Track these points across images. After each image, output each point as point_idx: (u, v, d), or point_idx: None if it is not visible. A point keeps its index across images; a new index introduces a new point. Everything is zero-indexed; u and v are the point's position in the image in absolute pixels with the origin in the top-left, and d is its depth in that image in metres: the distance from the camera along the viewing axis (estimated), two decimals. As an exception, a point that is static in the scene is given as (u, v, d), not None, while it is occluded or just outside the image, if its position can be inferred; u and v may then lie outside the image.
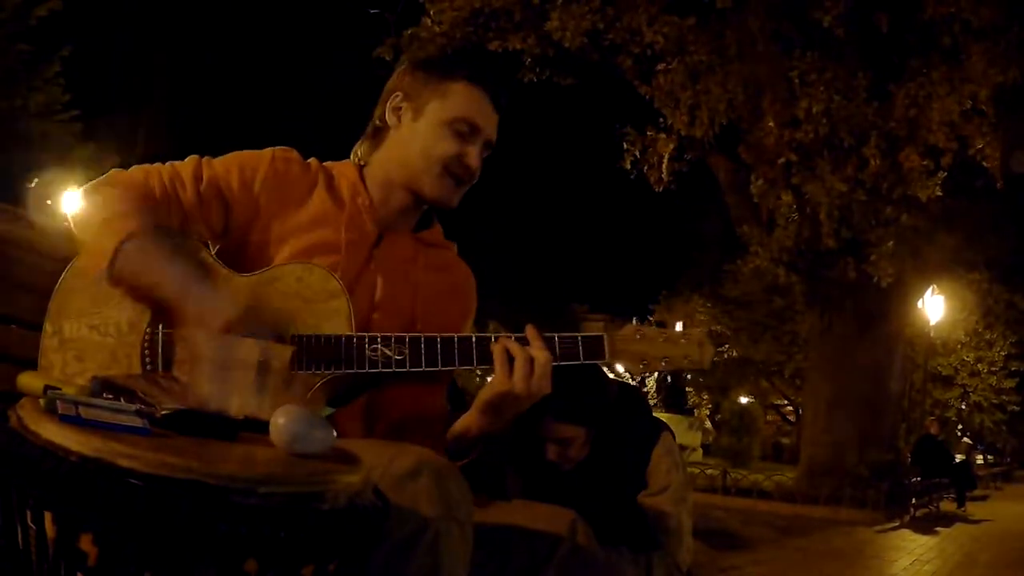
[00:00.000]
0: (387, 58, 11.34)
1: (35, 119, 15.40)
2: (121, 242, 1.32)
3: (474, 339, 1.42)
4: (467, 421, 1.50)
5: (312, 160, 1.60)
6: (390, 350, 1.39)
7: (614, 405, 2.15)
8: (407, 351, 1.39)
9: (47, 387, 1.14)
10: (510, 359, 1.40)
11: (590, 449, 2.13)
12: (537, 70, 11.84)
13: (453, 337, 1.42)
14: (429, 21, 11.43)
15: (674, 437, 2.24)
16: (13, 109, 14.82)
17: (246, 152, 1.54)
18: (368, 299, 1.51)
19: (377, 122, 1.59)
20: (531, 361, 1.40)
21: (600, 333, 1.46)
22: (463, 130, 1.53)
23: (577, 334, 1.44)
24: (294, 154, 1.57)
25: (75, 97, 16.23)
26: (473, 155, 1.54)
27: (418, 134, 1.55)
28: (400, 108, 1.57)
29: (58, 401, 1.02)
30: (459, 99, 1.54)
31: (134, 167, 1.48)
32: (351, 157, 1.63)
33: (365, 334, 1.40)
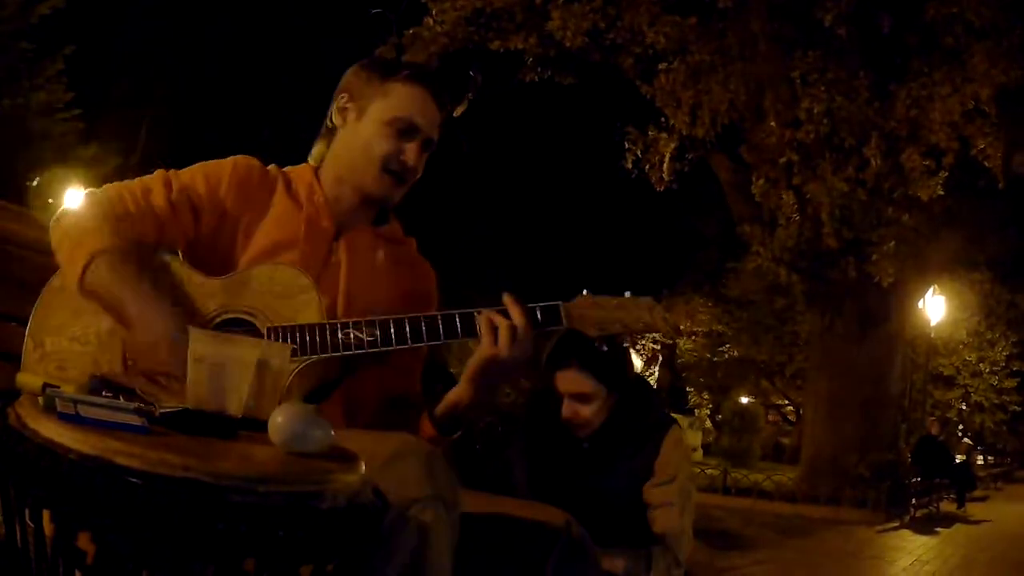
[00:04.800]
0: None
1: (37, 118, 15.43)
2: (88, 260, 1.39)
3: (440, 316, 1.49)
4: (457, 393, 1.56)
5: (272, 166, 1.68)
6: (361, 332, 1.45)
7: (631, 386, 2.21)
8: (378, 332, 1.46)
9: (46, 385, 1.14)
10: (494, 328, 1.47)
11: (602, 427, 2.17)
12: (538, 70, 11.84)
13: (420, 316, 1.49)
14: (431, 21, 11.42)
15: (682, 431, 2.28)
16: (15, 107, 14.84)
17: (210, 161, 1.63)
18: (332, 291, 1.56)
19: (328, 123, 1.67)
20: (513, 328, 1.47)
21: (557, 302, 1.53)
22: (402, 128, 1.60)
23: (535, 304, 1.52)
24: (255, 161, 1.65)
25: (77, 96, 16.27)
26: (411, 153, 1.60)
27: (360, 134, 1.62)
28: (346, 108, 1.65)
29: (57, 399, 1.02)
30: (399, 98, 1.61)
31: (106, 186, 1.56)
32: (309, 157, 1.71)
33: (336, 321, 1.47)
